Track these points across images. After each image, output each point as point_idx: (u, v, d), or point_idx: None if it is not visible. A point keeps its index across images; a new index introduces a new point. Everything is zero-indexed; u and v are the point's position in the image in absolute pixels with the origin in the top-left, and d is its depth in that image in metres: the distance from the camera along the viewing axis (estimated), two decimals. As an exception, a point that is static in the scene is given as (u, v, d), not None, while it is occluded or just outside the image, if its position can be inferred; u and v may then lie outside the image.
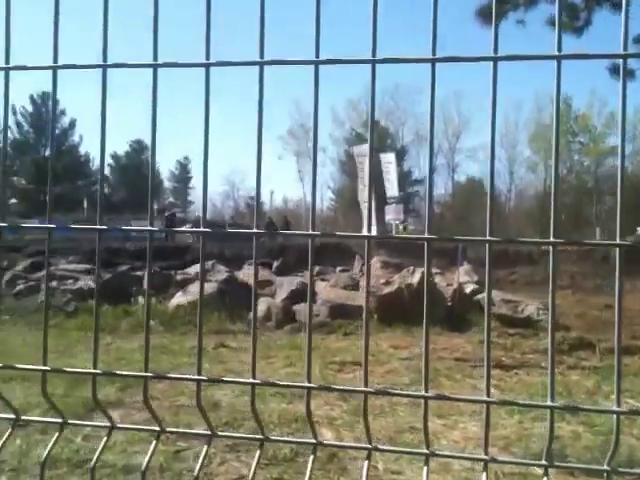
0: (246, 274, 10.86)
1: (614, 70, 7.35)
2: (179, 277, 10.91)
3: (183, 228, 22.82)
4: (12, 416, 1.17)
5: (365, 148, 19.57)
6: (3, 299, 9.95)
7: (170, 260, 13.29)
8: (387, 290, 8.66)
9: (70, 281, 10.86)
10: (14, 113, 49.66)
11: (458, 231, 37.67)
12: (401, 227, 24.77)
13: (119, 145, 57.05)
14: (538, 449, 3.37)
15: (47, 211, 1.15)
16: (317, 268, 12.16)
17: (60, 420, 1.16)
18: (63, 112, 51.83)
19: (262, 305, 8.85)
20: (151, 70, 1.03)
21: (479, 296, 9.05)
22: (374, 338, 6.89)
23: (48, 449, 1.16)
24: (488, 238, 0.96)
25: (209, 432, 1.12)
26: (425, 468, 1.05)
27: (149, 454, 1.11)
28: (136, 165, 57.05)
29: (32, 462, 3.08)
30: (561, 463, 1.35)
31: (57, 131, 51.18)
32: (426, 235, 0.98)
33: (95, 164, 54.92)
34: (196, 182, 64.65)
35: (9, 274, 11.54)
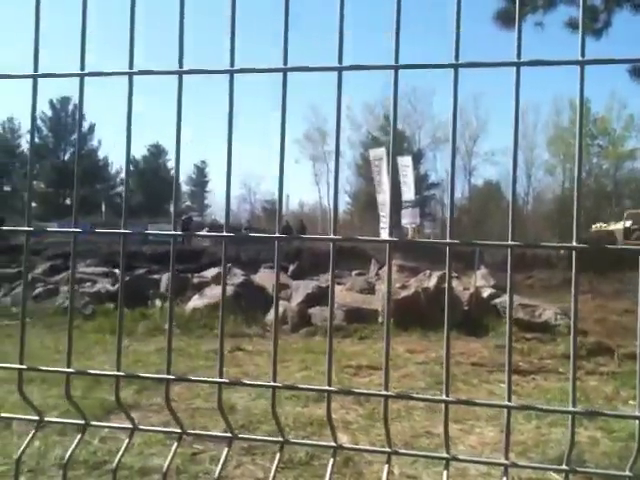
0: (262, 278, 10.89)
1: (634, 72, 7.26)
2: (195, 280, 10.96)
3: (202, 232, 22.96)
4: (35, 418, 1.18)
5: (381, 152, 19.53)
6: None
7: (186, 263, 13.39)
8: (404, 294, 8.63)
9: (88, 284, 10.98)
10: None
11: (475, 235, 37.41)
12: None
13: (137, 149, 57.62)
14: (555, 455, 3.33)
15: (73, 215, 1.17)
16: (333, 272, 12.13)
17: (82, 422, 1.17)
18: (83, 117, 52.44)
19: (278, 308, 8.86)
20: (176, 76, 1.04)
21: (496, 300, 8.97)
22: (390, 342, 6.84)
23: (70, 451, 1.17)
24: (510, 242, 0.95)
25: (229, 434, 1.12)
26: (445, 472, 1.04)
27: (170, 456, 1.11)
28: (153, 169, 57.59)
29: (50, 463, 3.12)
30: (581, 468, 1.34)
31: (76, 136, 51.75)
32: (448, 240, 0.97)
33: (114, 168, 55.61)
34: (213, 185, 65.09)
35: (28, 277, 11.66)
